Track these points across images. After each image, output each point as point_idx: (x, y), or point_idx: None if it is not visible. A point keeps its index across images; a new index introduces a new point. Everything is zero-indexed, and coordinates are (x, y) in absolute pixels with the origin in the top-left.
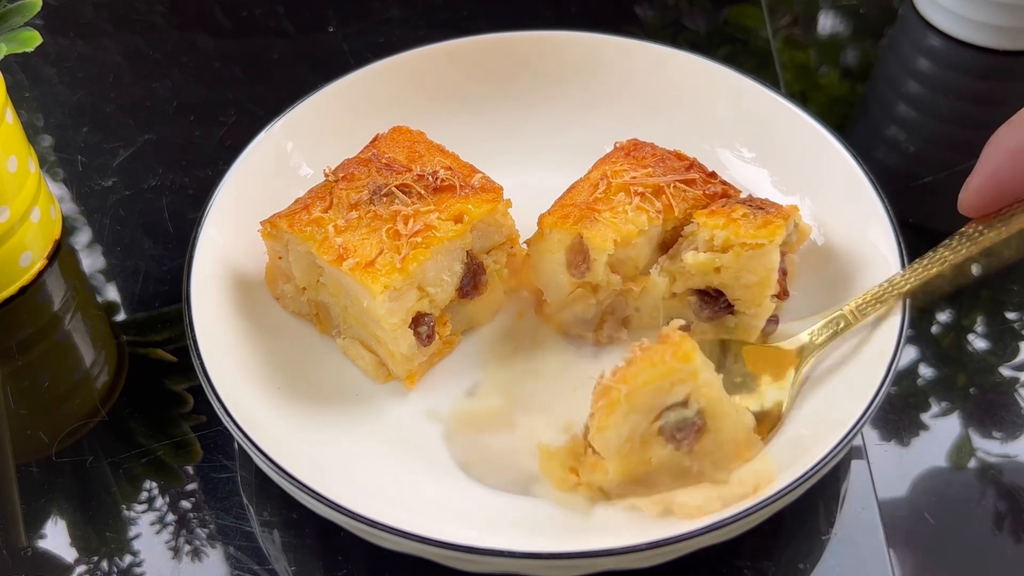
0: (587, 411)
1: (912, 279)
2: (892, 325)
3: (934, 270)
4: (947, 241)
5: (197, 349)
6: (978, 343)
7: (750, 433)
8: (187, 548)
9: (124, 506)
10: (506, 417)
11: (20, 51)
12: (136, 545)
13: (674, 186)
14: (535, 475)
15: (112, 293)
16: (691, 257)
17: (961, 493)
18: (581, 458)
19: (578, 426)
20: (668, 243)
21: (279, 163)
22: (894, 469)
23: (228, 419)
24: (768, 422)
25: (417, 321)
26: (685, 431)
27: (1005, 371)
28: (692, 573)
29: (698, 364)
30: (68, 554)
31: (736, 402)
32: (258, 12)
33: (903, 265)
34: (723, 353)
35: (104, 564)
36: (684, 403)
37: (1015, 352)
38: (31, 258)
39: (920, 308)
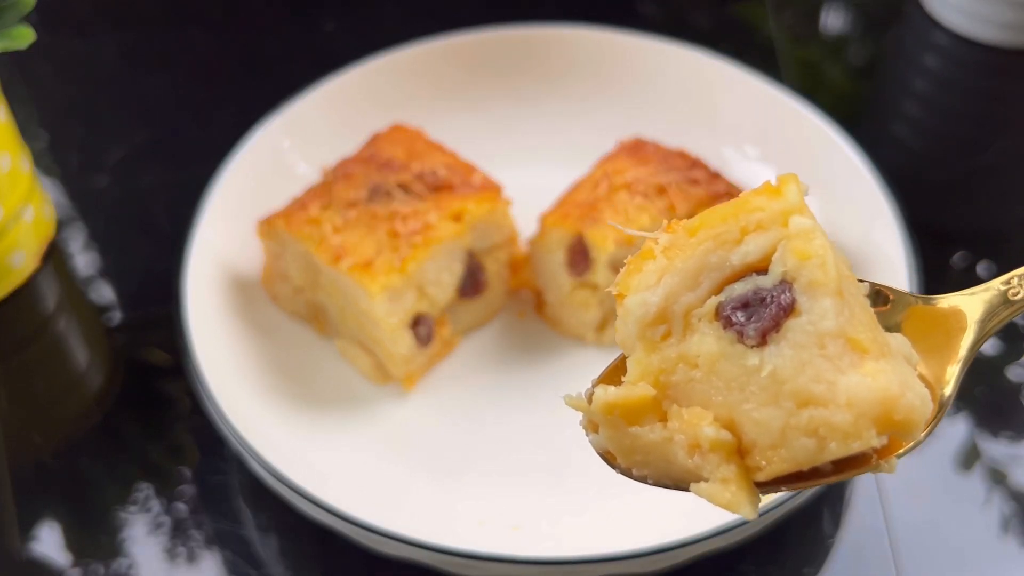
0: None
1: None
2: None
3: None
4: None
5: (192, 351)
6: (985, 344)
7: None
8: (182, 552)
9: (118, 509)
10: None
11: (13, 48)
12: (130, 549)
13: (677, 185)
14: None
15: (107, 293)
16: None
17: (967, 495)
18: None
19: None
20: None
21: (276, 161)
22: (899, 472)
23: (223, 422)
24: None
25: (416, 322)
26: (753, 310)
27: (1012, 373)
28: None
29: (792, 204)
30: (62, 558)
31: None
32: (254, 8)
33: (910, 265)
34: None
35: (98, 568)
36: (762, 269)
37: (1022, 353)
38: (24, 258)
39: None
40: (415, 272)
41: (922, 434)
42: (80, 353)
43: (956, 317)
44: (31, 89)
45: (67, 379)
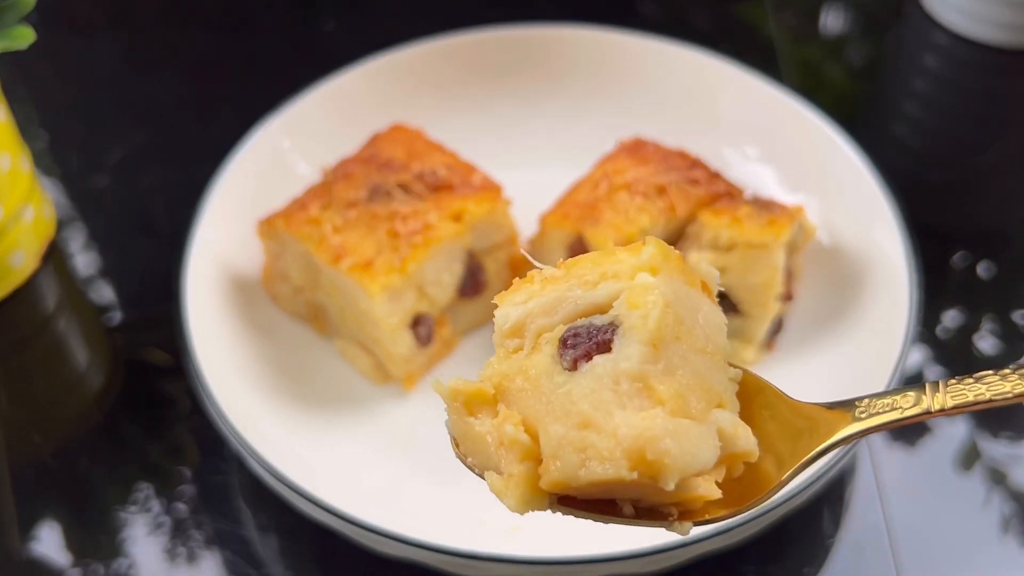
0: None
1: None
2: (898, 326)
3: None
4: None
5: (192, 351)
6: (984, 344)
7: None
8: (182, 552)
9: (118, 509)
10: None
11: (14, 48)
12: (131, 549)
13: (677, 185)
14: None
15: (107, 293)
16: (695, 256)
17: (967, 495)
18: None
19: None
20: (671, 243)
21: (276, 161)
22: (899, 472)
23: (223, 422)
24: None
25: (416, 322)
26: (580, 340)
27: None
28: None
29: (643, 262)
30: (62, 557)
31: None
32: (254, 8)
33: (910, 265)
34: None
35: (98, 568)
36: (606, 311)
37: (1022, 353)
38: (24, 258)
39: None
40: (415, 272)
41: (733, 511)
42: (80, 353)
43: (827, 425)
44: (31, 89)
45: (67, 379)
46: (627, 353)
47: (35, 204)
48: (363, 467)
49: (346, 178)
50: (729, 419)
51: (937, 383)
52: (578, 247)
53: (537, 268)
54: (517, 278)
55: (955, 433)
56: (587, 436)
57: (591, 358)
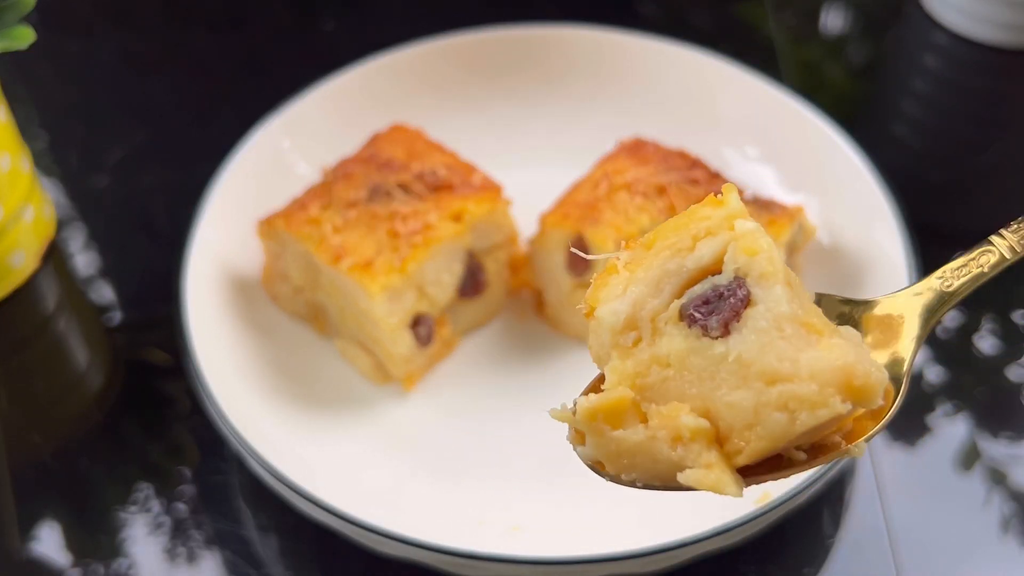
0: None
1: None
2: None
3: None
4: None
5: (192, 351)
6: (985, 344)
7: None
8: (182, 552)
9: (118, 509)
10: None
11: (14, 48)
12: (130, 549)
13: (677, 185)
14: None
15: (106, 294)
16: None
17: (967, 495)
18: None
19: None
20: None
21: (275, 161)
22: (899, 472)
23: (223, 422)
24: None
25: (416, 322)
26: (713, 305)
27: (1012, 373)
28: None
29: (736, 210)
30: (62, 558)
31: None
32: (254, 8)
33: (910, 265)
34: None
35: (98, 568)
36: (716, 270)
37: (1022, 354)
38: (24, 258)
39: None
40: (415, 272)
41: (885, 417)
42: (80, 353)
43: (893, 318)
44: (31, 89)
45: (67, 379)
46: (775, 298)
47: (35, 204)
48: (363, 467)
49: (346, 178)
50: (858, 338)
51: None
52: (578, 247)
53: (611, 257)
54: (596, 275)
55: (955, 433)
56: (784, 390)
57: (739, 316)
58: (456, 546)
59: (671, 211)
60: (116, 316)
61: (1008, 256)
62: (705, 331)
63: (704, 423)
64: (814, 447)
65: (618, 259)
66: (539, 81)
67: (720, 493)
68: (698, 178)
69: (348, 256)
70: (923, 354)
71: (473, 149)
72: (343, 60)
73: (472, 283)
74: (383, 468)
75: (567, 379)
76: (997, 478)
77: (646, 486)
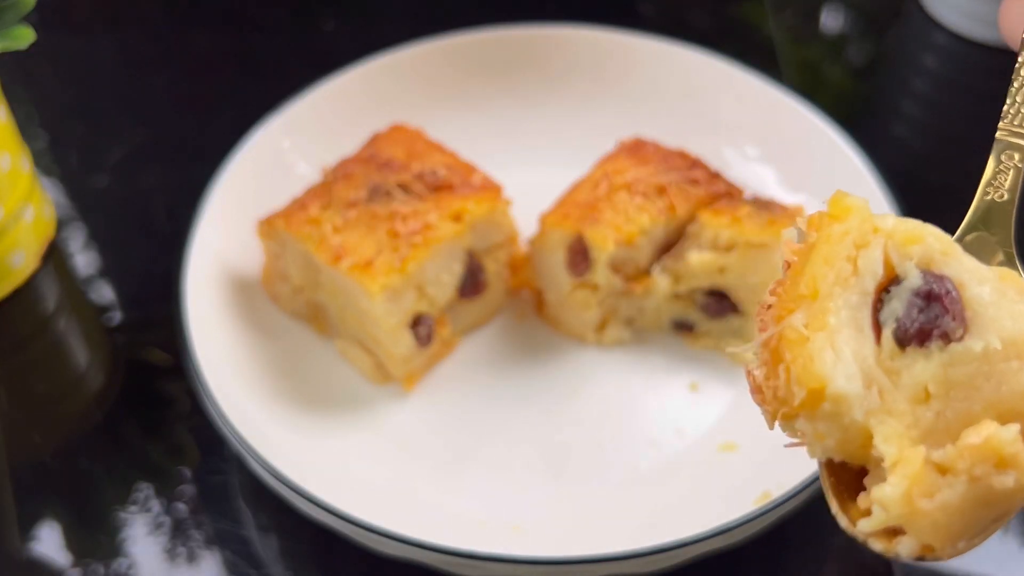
0: (590, 413)
1: None
2: None
3: None
4: None
5: (192, 351)
6: None
7: None
8: (182, 552)
9: (118, 509)
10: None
11: (13, 48)
12: (130, 549)
13: (677, 185)
14: None
15: (106, 293)
16: (695, 256)
17: None
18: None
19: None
20: (671, 243)
21: (276, 161)
22: None
23: (223, 422)
24: None
25: (416, 322)
26: (928, 311)
27: None
28: None
29: (865, 211)
30: (62, 557)
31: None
32: (254, 8)
33: None
34: None
35: (98, 568)
36: (890, 278)
37: None
38: (24, 258)
39: None
40: (415, 272)
41: None
42: (80, 353)
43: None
44: (31, 89)
45: (67, 379)
46: (973, 268)
47: (35, 204)
48: (363, 467)
49: (346, 178)
50: None
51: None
52: (578, 247)
53: (775, 330)
54: (787, 356)
55: None
56: None
57: (966, 304)
58: (456, 546)
59: (671, 211)
60: (116, 316)
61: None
62: (947, 338)
63: (1015, 427)
64: None
65: (792, 328)
66: (539, 81)
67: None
68: (698, 178)
69: (348, 256)
70: None
71: (473, 149)
72: (343, 60)
73: (472, 283)
74: (383, 468)
75: (567, 379)
76: None
77: (982, 540)
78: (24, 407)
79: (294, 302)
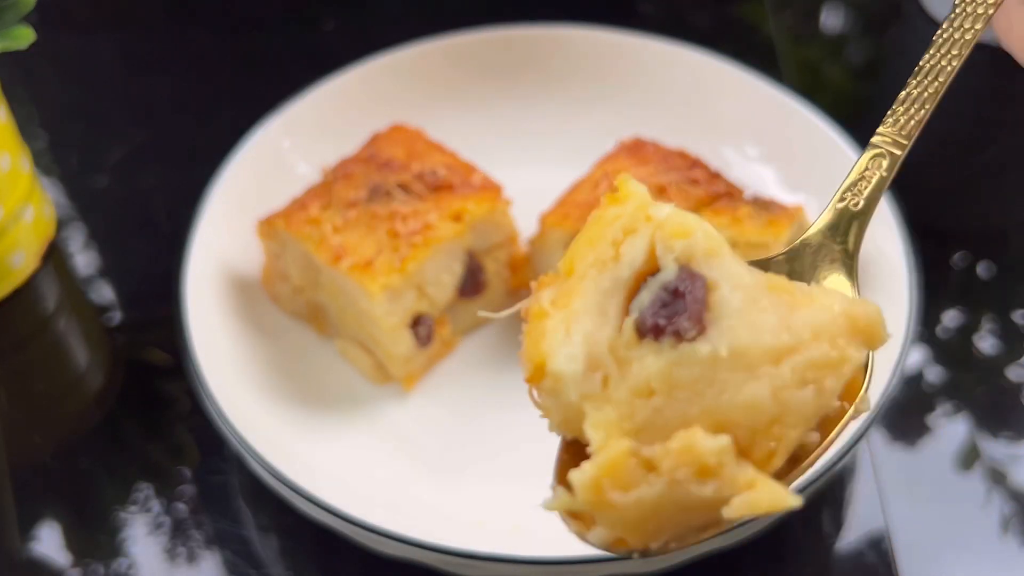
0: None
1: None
2: (898, 326)
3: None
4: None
5: (192, 351)
6: (984, 344)
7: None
8: (182, 552)
9: (118, 509)
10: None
11: (13, 48)
12: (130, 549)
13: (677, 185)
14: None
15: (107, 293)
16: None
17: (967, 495)
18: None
19: None
20: None
21: (276, 161)
22: (900, 472)
23: (223, 422)
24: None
25: (416, 322)
26: (673, 307)
27: (1012, 373)
28: None
29: (642, 198)
30: (62, 558)
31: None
32: (254, 8)
33: (910, 265)
34: None
35: (98, 568)
36: (654, 269)
37: (1022, 354)
38: (24, 258)
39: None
40: (415, 272)
41: (869, 366)
42: (80, 353)
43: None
44: (31, 89)
45: (67, 379)
46: (733, 272)
47: (35, 204)
48: (363, 467)
49: (346, 178)
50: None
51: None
52: None
53: (524, 304)
54: (525, 327)
55: (955, 433)
56: (796, 362)
57: (708, 306)
58: (456, 546)
59: None
60: (116, 316)
61: (899, 152)
62: (679, 336)
63: (725, 439)
64: (821, 425)
65: (539, 301)
66: (539, 81)
67: (778, 510)
68: (698, 178)
69: (348, 256)
70: (923, 354)
71: (473, 149)
72: (343, 60)
73: (472, 283)
74: (383, 468)
75: None
76: (997, 478)
77: (681, 545)
78: (24, 407)
79: (294, 302)
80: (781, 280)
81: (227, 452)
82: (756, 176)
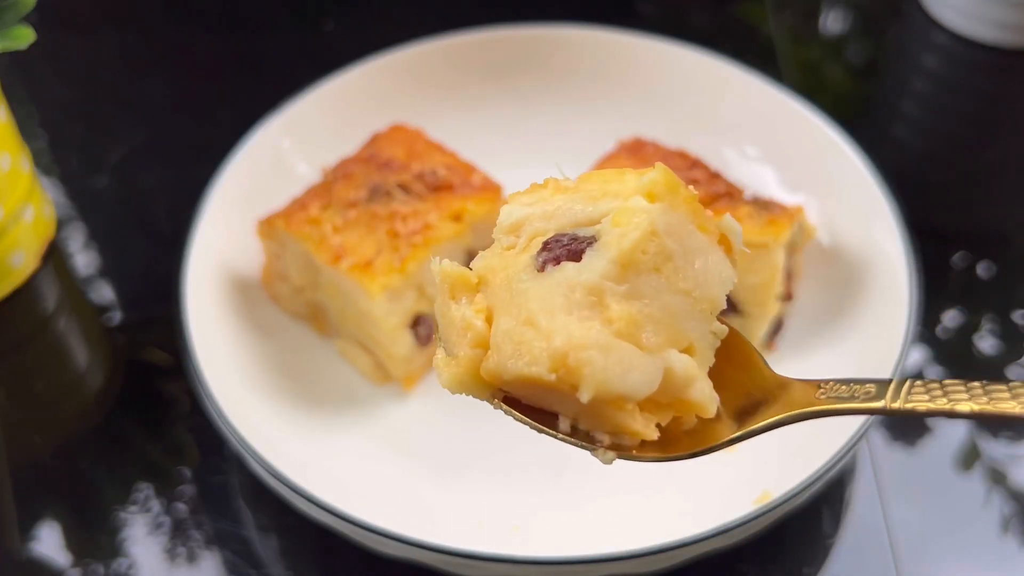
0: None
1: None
2: (898, 326)
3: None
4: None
5: (192, 351)
6: (984, 344)
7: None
8: (182, 552)
9: (118, 509)
10: None
11: (13, 48)
12: (131, 549)
13: None
14: None
15: (106, 293)
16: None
17: (967, 495)
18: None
19: None
20: None
21: (276, 161)
22: (899, 472)
23: (223, 422)
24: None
25: (416, 322)
26: (558, 244)
27: (1012, 373)
28: None
29: (643, 186)
30: (62, 557)
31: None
32: (254, 8)
33: (910, 265)
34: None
35: (98, 568)
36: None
37: (1022, 354)
38: (24, 258)
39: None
40: (415, 272)
41: (658, 454)
42: (80, 353)
43: (790, 399)
44: (31, 89)
45: (67, 379)
46: (592, 265)
47: (35, 204)
48: (363, 467)
49: (346, 178)
50: (686, 364)
51: (905, 382)
52: None
53: (551, 179)
54: (534, 181)
55: (955, 433)
56: (525, 332)
57: (559, 263)
58: (456, 546)
59: None
60: (116, 316)
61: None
62: (540, 264)
63: (479, 324)
64: (583, 432)
65: (556, 180)
66: (539, 81)
67: (438, 376)
68: (698, 178)
69: (348, 256)
70: (923, 354)
71: (473, 149)
72: (343, 60)
73: None
74: (383, 468)
75: None
76: (997, 478)
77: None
78: (24, 407)
79: (294, 302)
80: (620, 312)
81: (227, 452)
82: (756, 176)
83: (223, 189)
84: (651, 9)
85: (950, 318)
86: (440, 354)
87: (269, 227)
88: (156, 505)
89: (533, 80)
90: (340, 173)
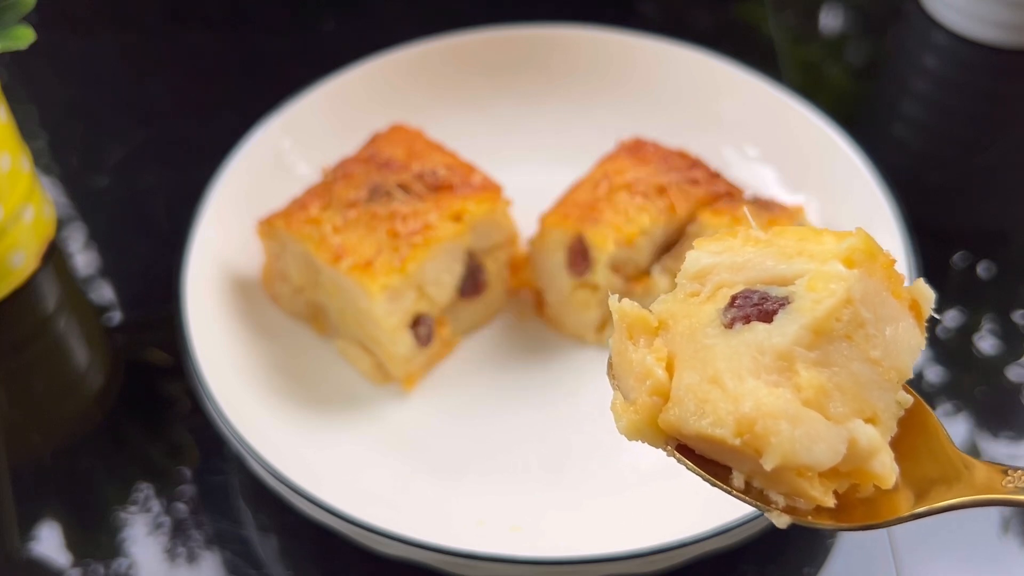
0: (590, 413)
1: None
2: None
3: None
4: None
5: (192, 351)
6: (984, 344)
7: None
8: (182, 552)
9: (118, 509)
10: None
11: (14, 48)
12: (130, 549)
13: (677, 185)
14: None
15: (107, 293)
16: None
17: None
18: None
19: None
20: (671, 243)
21: (276, 161)
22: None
23: (223, 422)
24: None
25: (416, 322)
26: (748, 300)
27: (1012, 373)
28: None
29: (842, 251)
30: (62, 557)
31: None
32: (254, 9)
33: (910, 265)
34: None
35: (98, 568)
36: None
37: (1022, 354)
38: (24, 258)
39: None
40: (415, 272)
41: (833, 522)
42: (80, 353)
43: (973, 481)
44: (31, 89)
45: (67, 379)
46: (784, 330)
47: (35, 204)
48: (363, 467)
49: (346, 178)
50: (870, 435)
51: None
52: (578, 247)
53: (747, 228)
54: (724, 229)
55: (955, 433)
56: (711, 391)
57: (749, 322)
58: (456, 546)
59: (671, 211)
60: (116, 316)
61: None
62: (728, 320)
63: (659, 373)
64: (756, 489)
65: (747, 231)
66: (539, 81)
67: (615, 421)
68: (698, 178)
69: (348, 256)
70: (923, 354)
71: (473, 149)
72: (343, 60)
73: (472, 283)
74: (383, 468)
75: (567, 379)
76: None
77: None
78: (24, 407)
79: (294, 302)
80: (808, 378)
81: (227, 452)
82: (756, 176)
83: (223, 189)
84: (651, 9)
85: (950, 318)
86: (618, 399)
87: (269, 227)
88: (156, 505)
89: (533, 80)
90: (340, 173)
